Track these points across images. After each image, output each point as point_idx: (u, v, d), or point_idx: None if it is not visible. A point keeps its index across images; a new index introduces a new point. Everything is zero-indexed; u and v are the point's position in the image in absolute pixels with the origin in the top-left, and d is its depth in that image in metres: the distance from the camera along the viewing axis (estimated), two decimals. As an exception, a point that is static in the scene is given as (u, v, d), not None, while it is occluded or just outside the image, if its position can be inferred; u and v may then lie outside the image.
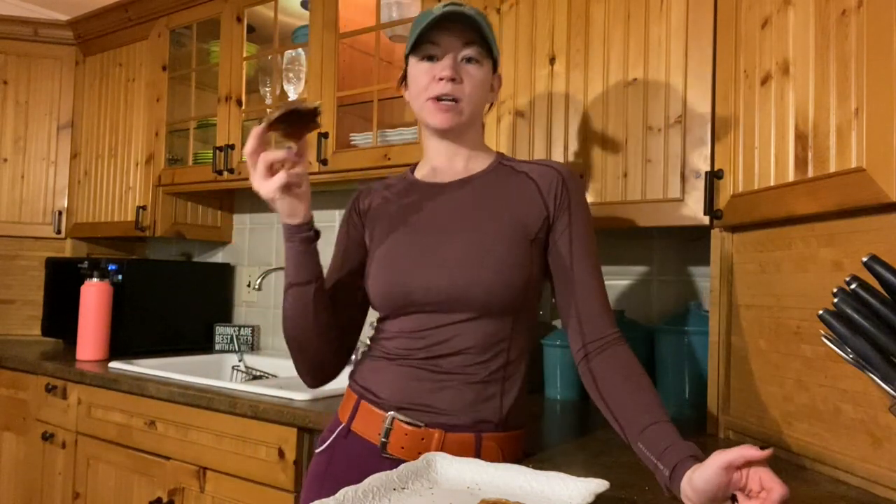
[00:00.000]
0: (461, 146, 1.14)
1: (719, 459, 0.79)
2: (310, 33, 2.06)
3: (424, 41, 1.07)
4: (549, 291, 1.14)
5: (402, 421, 1.04)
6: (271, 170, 1.01)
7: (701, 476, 0.80)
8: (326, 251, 1.13)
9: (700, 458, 0.84)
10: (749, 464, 0.78)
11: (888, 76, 0.93)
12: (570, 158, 1.55)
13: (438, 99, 1.07)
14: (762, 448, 0.77)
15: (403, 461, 0.96)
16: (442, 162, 1.15)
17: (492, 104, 1.18)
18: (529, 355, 1.12)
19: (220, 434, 1.68)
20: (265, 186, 1.01)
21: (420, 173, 1.19)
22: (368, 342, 1.19)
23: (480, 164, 1.15)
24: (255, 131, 1.01)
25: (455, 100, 1.07)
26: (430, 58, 1.08)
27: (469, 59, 1.07)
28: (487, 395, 1.05)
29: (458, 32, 1.06)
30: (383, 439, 1.04)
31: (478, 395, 1.04)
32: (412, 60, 1.10)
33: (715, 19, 1.38)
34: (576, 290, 1.06)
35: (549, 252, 1.09)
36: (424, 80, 1.07)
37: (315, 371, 1.17)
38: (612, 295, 1.80)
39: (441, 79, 1.05)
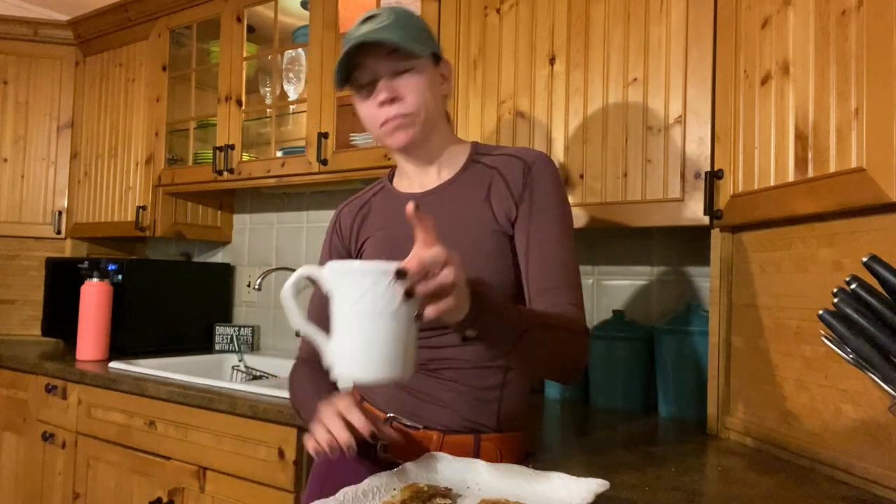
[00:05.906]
0: (430, 153, 1.12)
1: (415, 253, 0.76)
2: (310, 33, 2.06)
3: (352, 69, 1.05)
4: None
5: (400, 423, 1.04)
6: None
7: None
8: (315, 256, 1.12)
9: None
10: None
11: (888, 76, 0.93)
12: (570, 158, 1.55)
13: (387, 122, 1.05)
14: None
15: (403, 463, 0.95)
16: (414, 172, 1.14)
17: (448, 95, 1.15)
18: None
19: (219, 434, 1.68)
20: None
21: (396, 181, 1.19)
22: None
23: (454, 165, 1.13)
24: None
25: (403, 115, 1.05)
26: (366, 86, 1.05)
27: (401, 72, 1.04)
28: (485, 403, 1.04)
29: (376, 48, 1.03)
30: (383, 441, 1.05)
31: (475, 403, 1.04)
32: (355, 98, 1.08)
33: (715, 19, 1.38)
34: (529, 265, 1.03)
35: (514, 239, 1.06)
36: (370, 111, 1.06)
37: None
38: (612, 295, 1.81)
39: (382, 104, 1.04)
